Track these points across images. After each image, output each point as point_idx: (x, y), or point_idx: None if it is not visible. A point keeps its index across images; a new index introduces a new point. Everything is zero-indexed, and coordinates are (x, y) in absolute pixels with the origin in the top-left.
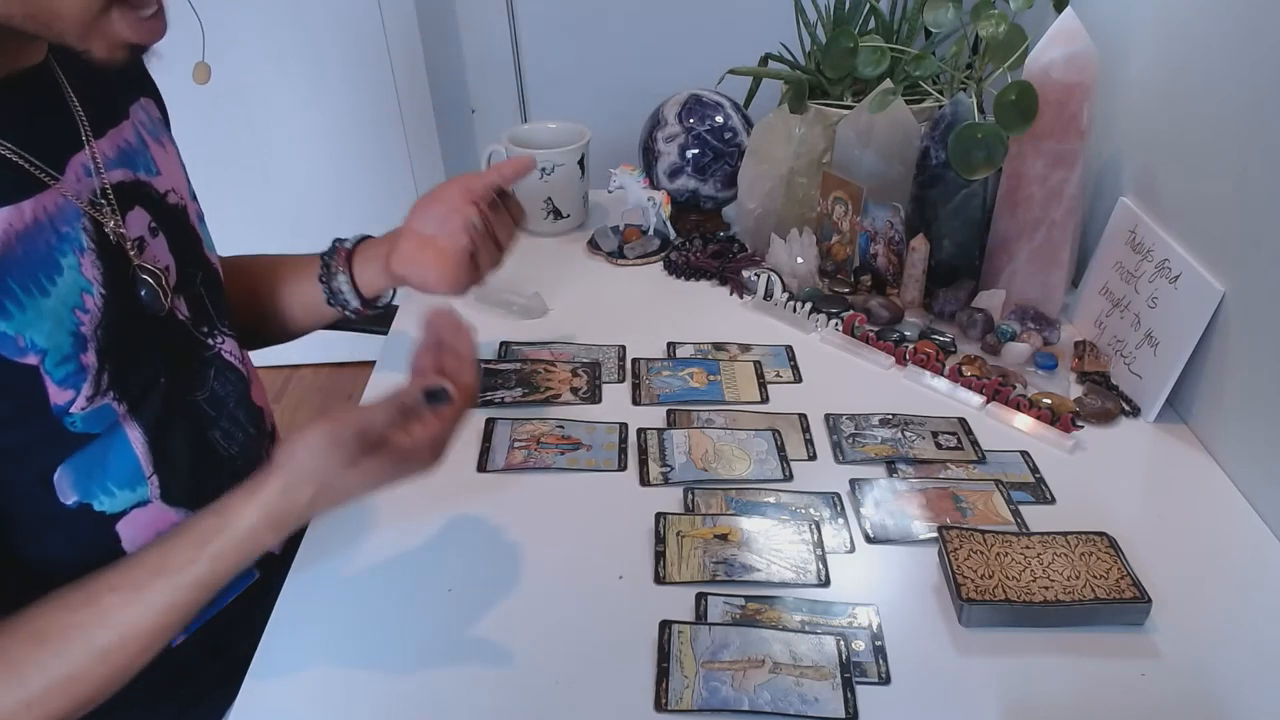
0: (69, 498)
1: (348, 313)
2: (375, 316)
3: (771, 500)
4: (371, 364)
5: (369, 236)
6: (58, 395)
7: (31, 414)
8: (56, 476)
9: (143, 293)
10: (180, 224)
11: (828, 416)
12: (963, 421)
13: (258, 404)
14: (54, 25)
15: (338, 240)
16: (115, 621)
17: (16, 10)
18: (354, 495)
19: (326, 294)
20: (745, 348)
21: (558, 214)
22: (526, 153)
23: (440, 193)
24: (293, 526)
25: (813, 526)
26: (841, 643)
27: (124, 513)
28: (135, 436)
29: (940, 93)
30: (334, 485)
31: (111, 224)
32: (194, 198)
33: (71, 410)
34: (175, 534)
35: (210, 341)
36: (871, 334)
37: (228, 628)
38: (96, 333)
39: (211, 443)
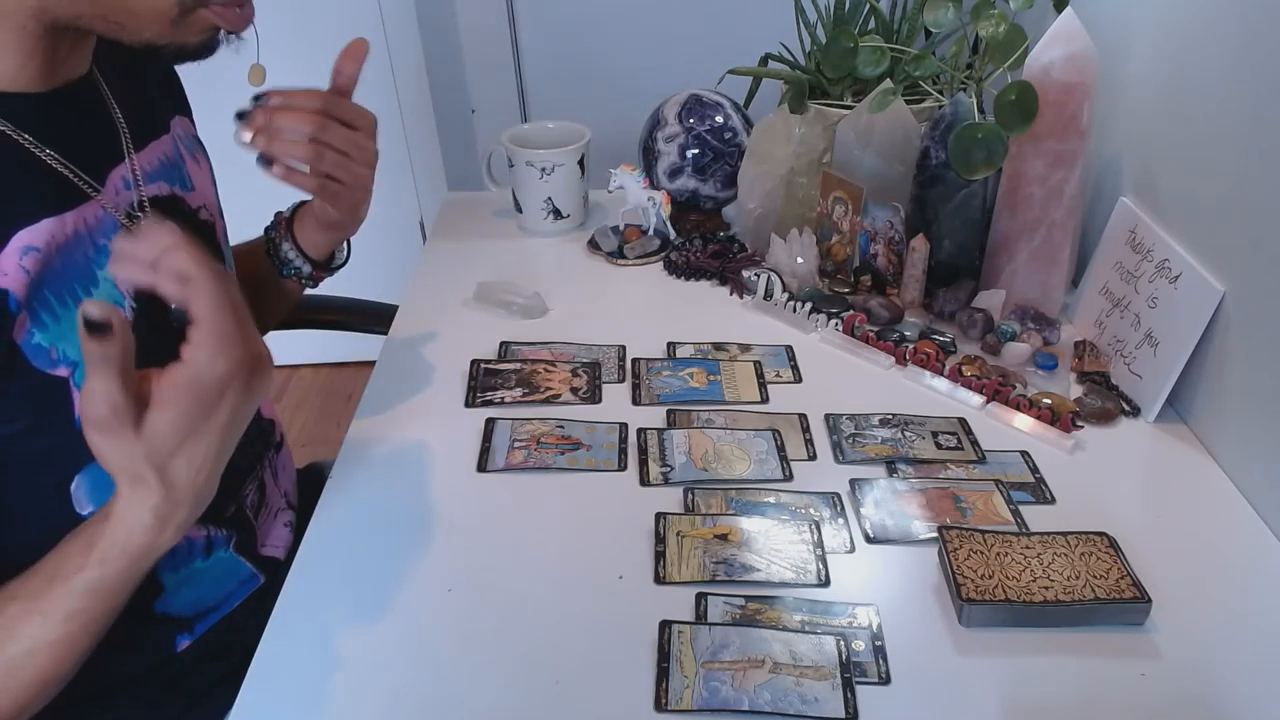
0: (85, 508)
1: (303, 280)
2: (376, 316)
3: (771, 500)
4: (371, 364)
5: (306, 201)
6: None
7: (54, 424)
8: (74, 486)
9: (173, 306)
10: (209, 240)
11: (828, 416)
12: (963, 421)
13: (267, 416)
14: (129, 24)
15: (278, 212)
16: (20, 634)
17: (85, 9)
18: (202, 447)
19: (276, 265)
20: (745, 348)
21: (558, 214)
22: (524, 153)
23: None
24: (177, 516)
25: (813, 526)
26: (841, 643)
27: None
28: None
29: (940, 93)
30: (157, 455)
31: None
32: (220, 215)
33: None
34: (67, 540)
35: None
36: (871, 334)
37: (231, 630)
38: None
39: None
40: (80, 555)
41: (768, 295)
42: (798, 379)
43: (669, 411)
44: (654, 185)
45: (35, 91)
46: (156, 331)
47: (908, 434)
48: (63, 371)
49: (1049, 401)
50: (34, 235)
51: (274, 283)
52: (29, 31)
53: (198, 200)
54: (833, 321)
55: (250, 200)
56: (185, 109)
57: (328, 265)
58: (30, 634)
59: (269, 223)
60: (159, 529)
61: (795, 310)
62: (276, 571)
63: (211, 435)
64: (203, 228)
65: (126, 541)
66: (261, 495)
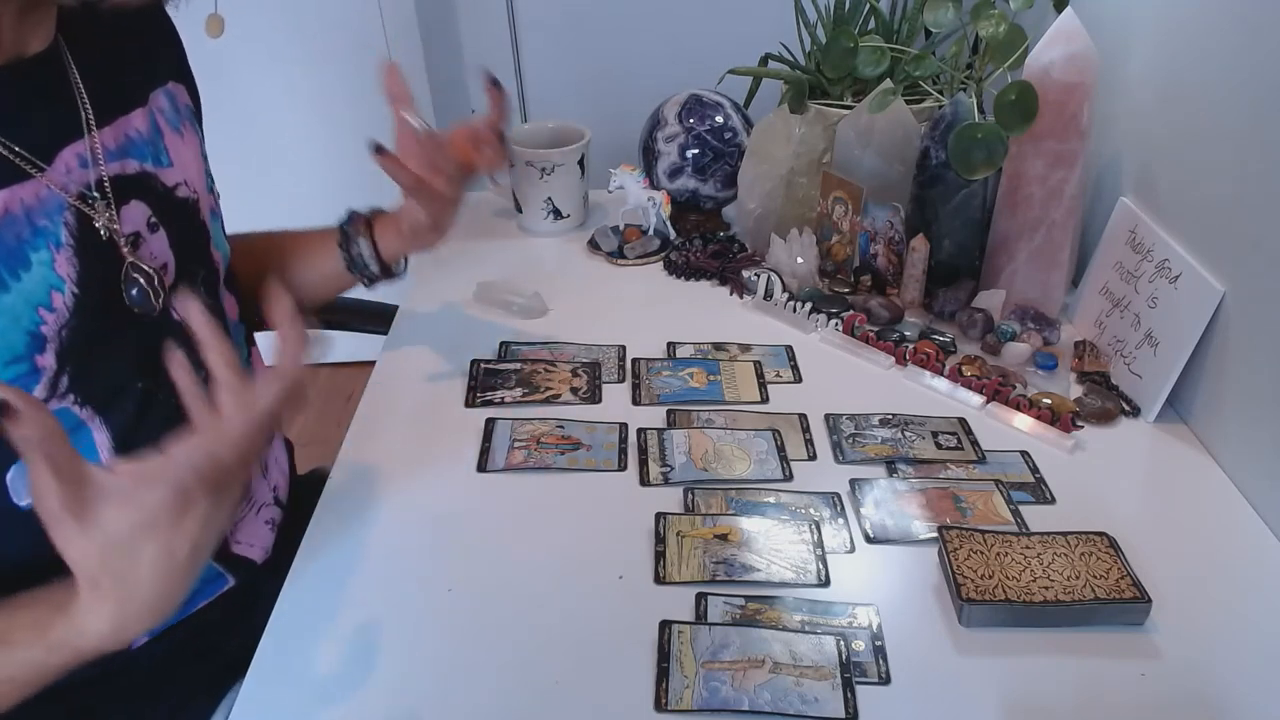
0: (23, 499)
1: (364, 280)
2: (376, 316)
3: (771, 500)
4: (371, 364)
5: (382, 210)
6: None
7: None
8: (10, 477)
9: (134, 292)
10: (188, 218)
11: (828, 416)
12: (963, 421)
13: None
14: None
15: (352, 210)
16: None
17: None
18: (168, 558)
19: (346, 261)
20: (745, 348)
21: (558, 214)
22: (524, 153)
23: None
24: (135, 626)
25: (813, 526)
26: (841, 643)
27: None
28: (101, 440)
29: (940, 93)
30: (114, 559)
31: (104, 219)
32: (210, 190)
33: None
34: (21, 606)
35: None
36: (871, 334)
37: (206, 632)
38: (60, 333)
39: None
40: (30, 633)
41: (768, 295)
42: (798, 379)
43: (669, 411)
44: (654, 185)
45: None
46: (100, 316)
47: (908, 434)
48: None
49: (1049, 401)
50: None
51: (332, 274)
52: None
53: (176, 176)
54: (833, 321)
55: (242, 190)
56: (181, 75)
57: (391, 269)
58: None
59: (344, 218)
60: (114, 636)
61: (795, 310)
62: (249, 573)
63: (179, 547)
64: (181, 205)
65: (79, 642)
66: (244, 489)
